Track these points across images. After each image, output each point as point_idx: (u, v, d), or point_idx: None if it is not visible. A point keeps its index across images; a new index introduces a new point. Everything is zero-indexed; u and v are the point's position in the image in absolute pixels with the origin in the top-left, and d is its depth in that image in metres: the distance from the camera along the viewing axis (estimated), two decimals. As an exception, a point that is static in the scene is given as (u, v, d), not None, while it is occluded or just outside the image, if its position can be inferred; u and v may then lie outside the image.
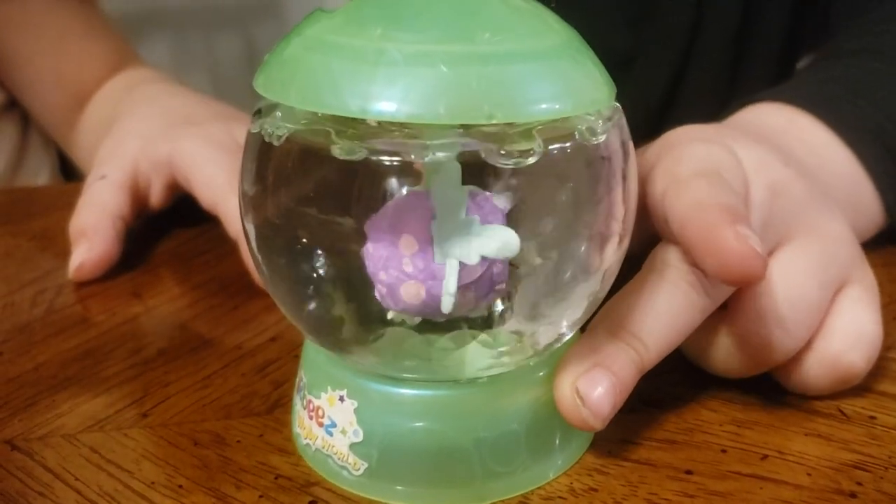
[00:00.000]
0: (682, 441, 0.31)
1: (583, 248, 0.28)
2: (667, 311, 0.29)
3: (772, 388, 0.33)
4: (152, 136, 0.50)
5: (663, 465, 0.30)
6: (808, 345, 0.32)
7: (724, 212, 0.28)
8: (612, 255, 0.28)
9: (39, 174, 0.69)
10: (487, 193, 0.27)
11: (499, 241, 0.26)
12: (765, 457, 0.30)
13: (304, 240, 0.28)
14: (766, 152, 0.33)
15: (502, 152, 0.24)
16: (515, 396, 0.29)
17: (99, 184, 0.48)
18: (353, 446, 0.28)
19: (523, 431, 0.28)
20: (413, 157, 0.25)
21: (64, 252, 0.46)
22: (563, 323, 0.29)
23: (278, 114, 0.27)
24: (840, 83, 0.44)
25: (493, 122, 0.23)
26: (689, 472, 0.30)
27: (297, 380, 0.31)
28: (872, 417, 0.32)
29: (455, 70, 0.23)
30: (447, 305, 0.26)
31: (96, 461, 0.31)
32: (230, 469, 0.30)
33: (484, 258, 0.26)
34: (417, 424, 0.28)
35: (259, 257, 0.29)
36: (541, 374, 0.29)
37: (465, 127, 0.25)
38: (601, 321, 0.30)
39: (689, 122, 0.36)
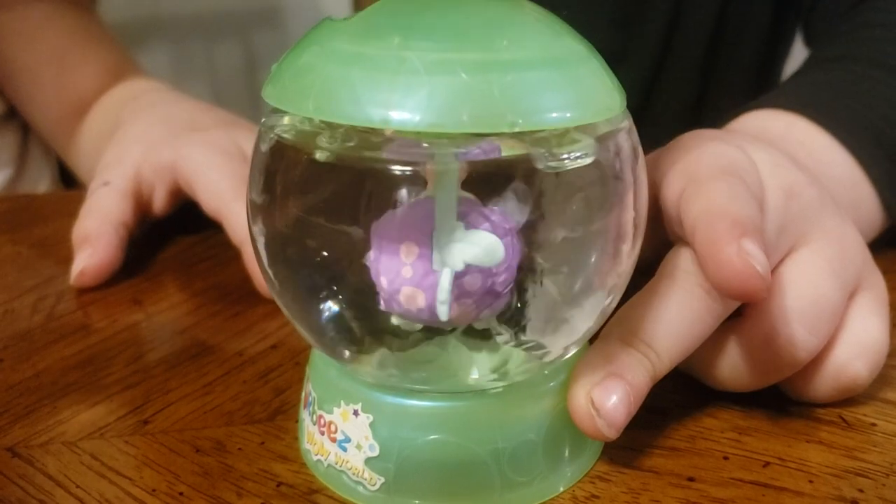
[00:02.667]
0: (685, 448, 0.31)
1: (597, 257, 0.28)
2: (680, 317, 0.29)
3: (773, 395, 0.33)
4: (155, 143, 0.50)
5: (665, 472, 0.30)
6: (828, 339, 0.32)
7: (733, 224, 0.28)
8: (626, 263, 0.28)
9: (40, 183, 0.70)
10: (493, 207, 0.26)
11: (481, 247, 0.26)
12: (767, 464, 0.30)
13: (314, 249, 0.28)
14: (778, 155, 0.33)
15: (549, 156, 0.24)
16: (531, 406, 0.28)
17: (102, 190, 0.48)
18: (368, 461, 0.28)
19: (540, 441, 0.28)
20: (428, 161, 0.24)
21: (65, 259, 0.46)
22: (577, 332, 0.28)
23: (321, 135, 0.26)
24: (827, 88, 0.45)
25: (516, 129, 0.23)
26: (691, 480, 0.30)
27: (304, 395, 0.31)
28: (873, 424, 0.32)
29: (476, 78, 0.23)
30: (442, 313, 0.26)
31: (97, 468, 0.31)
32: (232, 476, 0.30)
33: (474, 266, 0.26)
34: (435, 437, 0.27)
35: (267, 265, 0.29)
36: (554, 383, 0.29)
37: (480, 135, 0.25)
38: (613, 329, 0.30)
39: (664, 126, 0.36)
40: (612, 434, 0.28)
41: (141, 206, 0.49)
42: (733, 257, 0.27)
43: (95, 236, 0.46)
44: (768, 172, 0.32)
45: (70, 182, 0.72)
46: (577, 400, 0.28)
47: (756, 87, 0.68)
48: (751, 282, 0.26)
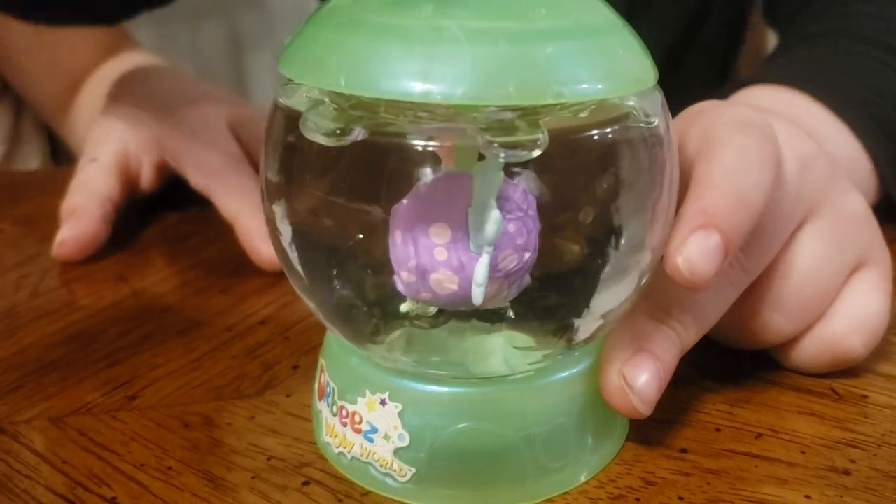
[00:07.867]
0: (677, 420, 0.31)
1: (633, 236, 0.27)
2: None
3: (765, 367, 0.33)
4: (142, 118, 0.50)
5: (658, 443, 0.30)
6: (810, 325, 0.32)
7: (696, 215, 0.27)
8: (660, 242, 0.27)
9: (31, 159, 0.69)
10: (515, 183, 0.25)
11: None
12: (759, 435, 0.30)
13: (335, 228, 0.26)
14: (791, 125, 0.33)
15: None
16: (562, 389, 0.28)
17: (90, 167, 0.48)
18: (397, 452, 0.27)
19: (572, 424, 0.28)
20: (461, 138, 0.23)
21: (49, 237, 0.46)
22: (609, 313, 0.27)
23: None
24: (818, 63, 0.45)
25: (562, 101, 0.22)
26: (683, 451, 0.29)
27: (319, 386, 0.30)
28: (865, 396, 0.32)
29: (519, 48, 0.22)
30: (477, 296, 0.25)
31: (84, 444, 0.30)
32: (221, 451, 0.30)
33: (515, 248, 0.25)
34: (467, 424, 0.27)
35: (286, 245, 0.27)
36: (583, 365, 0.28)
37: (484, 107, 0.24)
38: (640, 304, 0.29)
39: None
40: (645, 411, 0.27)
41: (128, 182, 0.49)
42: (671, 257, 0.26)
43: (81, 210, 0.45)
44: (784, 141, 0.31)
45: (62, 159, 0.71)
46: (609, 378, 0.28)
47: (718, 72, 0.68)
48: (687, 281, 0.26)
